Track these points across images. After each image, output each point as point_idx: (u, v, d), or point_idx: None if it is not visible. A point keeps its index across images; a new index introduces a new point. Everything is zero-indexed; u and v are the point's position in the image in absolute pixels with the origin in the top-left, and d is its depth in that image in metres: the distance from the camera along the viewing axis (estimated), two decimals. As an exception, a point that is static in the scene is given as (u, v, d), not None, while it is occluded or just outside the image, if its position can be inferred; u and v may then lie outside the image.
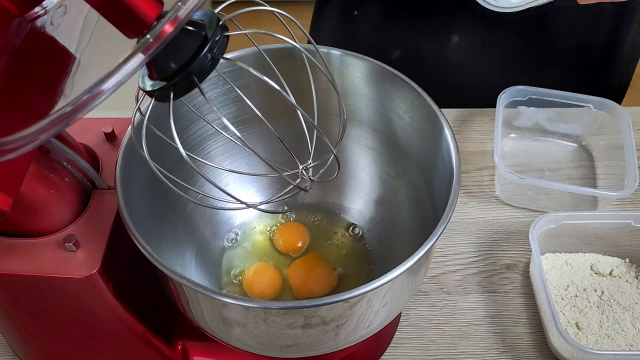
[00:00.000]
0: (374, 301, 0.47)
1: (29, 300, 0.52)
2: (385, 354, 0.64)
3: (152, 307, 0.57)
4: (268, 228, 0.65)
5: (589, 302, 0.65)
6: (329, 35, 0.93)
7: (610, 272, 0.68)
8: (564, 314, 0.64)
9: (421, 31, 0.86)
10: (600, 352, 0.60)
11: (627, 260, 0.69)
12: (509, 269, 0.70)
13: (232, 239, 0.65)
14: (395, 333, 0.65)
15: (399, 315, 0.66)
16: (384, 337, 0.64)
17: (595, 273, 0.68)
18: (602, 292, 0.66)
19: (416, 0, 0.83)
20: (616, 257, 0.69)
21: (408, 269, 0.45)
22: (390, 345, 0.65)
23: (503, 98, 0.78)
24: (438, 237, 0.46)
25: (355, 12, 0.88)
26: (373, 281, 0.44)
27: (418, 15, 0.84)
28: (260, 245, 0.64)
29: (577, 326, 0.63)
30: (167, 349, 0.59)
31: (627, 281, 0.67)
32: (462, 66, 0.90)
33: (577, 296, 0.66)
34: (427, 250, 0.45)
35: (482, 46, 0.86)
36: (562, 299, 0.66)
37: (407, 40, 0.87)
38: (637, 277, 0.68)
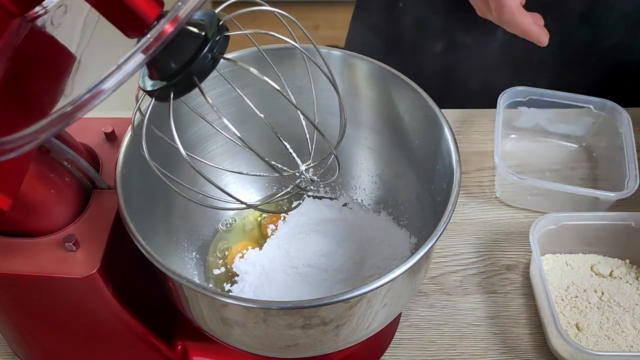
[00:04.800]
0: (374, 302, 0.47)
1: (29, 300, 0.52)
2: (385, 354, 0.64)
3: (152, 307, 0.57)
4: (259, 217, 0.67)
5: (589, 303, 0.65)
6: (369, 28, 0.94)
7: (611, 273, 0.68)
8: (564, 315, 0.64)
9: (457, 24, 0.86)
10: (600, 353, 0.60)
11: (628, 261, 0.69)
12: (509, 270, 0.70)
13: (228, 224, 0.66)
14: (395, 333, 0.65)
15: (399, 316, 0.66)
16: (383, 338, 0.64)
17: (596, 274, 0.68)
18: (602, 293, 0.66)
19: None
20: (616, 258, 0.69)
21: (408, 269, 0.45)
22: (390, 345, 0.65)
23: (504, 99, 0.78)
24: (438, 238, 0.46)
25: (400, 4, 0.88)
26: (373, 281, 0.44)
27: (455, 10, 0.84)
28: (250, 232, 0.66)
29: (578, 327, 0.63)
30: (167, 349, 0.59)
31: (627, 282, 0.67)
32: (463, 65, 0.90)
33: (577, 297, 0.66)
34: (427, 251, 0.45)
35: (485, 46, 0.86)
36: (562, 299, 0.66)
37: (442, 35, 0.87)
38: (637, 278, 0.67)
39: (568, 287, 0.67)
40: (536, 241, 0.65)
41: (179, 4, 0.32)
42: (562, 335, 0.58)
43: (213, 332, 0.52)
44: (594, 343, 0.62)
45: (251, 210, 0.66)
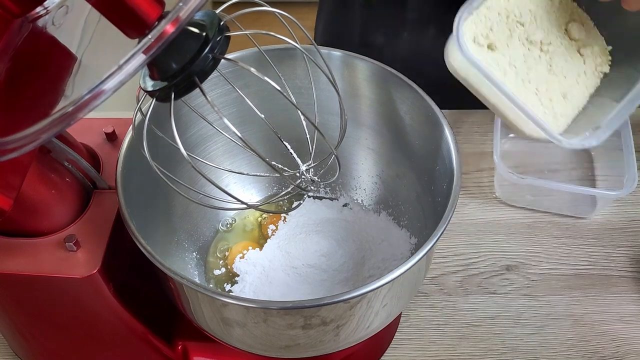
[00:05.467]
0: (374, 302, 0.48)
1: (30, 300, 0.52)
2: (385, 354, 0.64)
3: (152, 307, 0.57)
4: (259, 217, 0.67)
5: (526, 41, 0.51)
6: (325, 26, 0.94)
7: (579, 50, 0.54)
8: (478, 24, 0.51)
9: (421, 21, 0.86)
10: (481, 67, 0.49)
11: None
12: (509, 270, 0.70)
13: (228, 224, 0.66)
14: (395, 334, 0.65)
15: (399, 316, 0.66)
16: (384, 338, 0.64)
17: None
18: (550, 43, 0.52)
19: None
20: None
21: (408, 269, 0.45)
22: (390, 346, 0.65)
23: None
24: (438, 238, 0.46)
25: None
26: (373, 282, 0.44)
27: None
28: (250, 232, 0.66)
29: (490, 46, 0.52)
30: (167, 349, 0.59)
31: (582, 57, 0.54)
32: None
33: (517, 23, 0.51)
34: (427, 251, 0.45)
35: None
36: (485, 16, 0.51)
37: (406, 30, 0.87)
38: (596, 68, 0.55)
39: (508, 16, 0.51)
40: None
41: (180, 4, 0.32)
42: (458, 40, 0.47)
43: (213, 332, 0.52)
44: (494, 59, 0.51)
45: (251, 210, 0.66)
